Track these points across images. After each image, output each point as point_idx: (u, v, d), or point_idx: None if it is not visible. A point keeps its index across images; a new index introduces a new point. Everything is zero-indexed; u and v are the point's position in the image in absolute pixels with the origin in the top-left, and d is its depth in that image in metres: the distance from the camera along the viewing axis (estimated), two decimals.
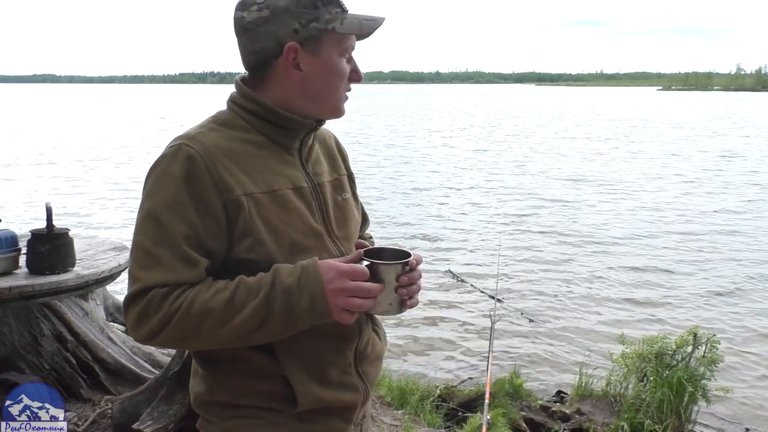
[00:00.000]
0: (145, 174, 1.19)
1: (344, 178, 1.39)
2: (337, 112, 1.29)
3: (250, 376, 1.19)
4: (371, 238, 1.57)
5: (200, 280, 1.12)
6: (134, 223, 1.17)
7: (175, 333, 1.09)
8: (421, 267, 1.24)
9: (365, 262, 1.16)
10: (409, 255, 1.19)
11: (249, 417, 1.21)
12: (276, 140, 1.24)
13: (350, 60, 1.27)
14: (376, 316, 1.41)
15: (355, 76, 1.28)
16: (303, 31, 1.19)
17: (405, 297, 1.18)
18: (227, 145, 1.18)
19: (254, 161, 1.19)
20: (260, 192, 1.17)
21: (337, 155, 1.42)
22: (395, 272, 1.16)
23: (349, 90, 1.29)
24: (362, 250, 1.19)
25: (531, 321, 6.15)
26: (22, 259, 2.72)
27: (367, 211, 1.55)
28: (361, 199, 1.50)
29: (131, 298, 1.11)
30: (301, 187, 1.24)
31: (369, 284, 1.12)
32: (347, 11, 1.21)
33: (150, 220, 1.12)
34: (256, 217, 1.15)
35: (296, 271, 1.12)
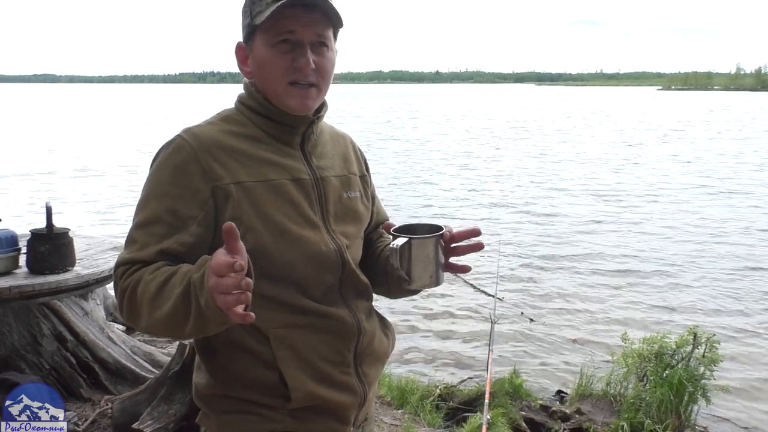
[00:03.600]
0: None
1: (355, 178, 1.39)
2: (288, 108, 1.24)
3: (248, 367, 1.20)
4: None
5: (156, 261, 1.14)
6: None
7: (128, 311, 1.13)
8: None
9: (402, 239, 1.18)
10: (441, 227, 1.23)
11: (244, 412, 1.21)
12: (274, 135, 1.27)
13: (294, 49, 1.20)
14: (384, 315, 1.41)
15: (297, 65, 1.20)
16: (246, 29, 1.25)
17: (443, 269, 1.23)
18: (221, 137, 1.22)
19: (250, 153, 1.22)
20: (253, 181, 1.19)
21: (351, 156, 1.42)
22: (433, 245, 1.20)
23: (300, 82, 1.21)
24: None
25: (531, 321, 6.15)
26: (22, 259, 2.72)
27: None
28: (380, 201, 1.51)
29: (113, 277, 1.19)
30: (302, 178, 1.25)
31: (226, 280, 0.95)
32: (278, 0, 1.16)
33: (140, 207, 1.19)
34: (247, 204, 1.17)
35: (204, 263, 1.02)
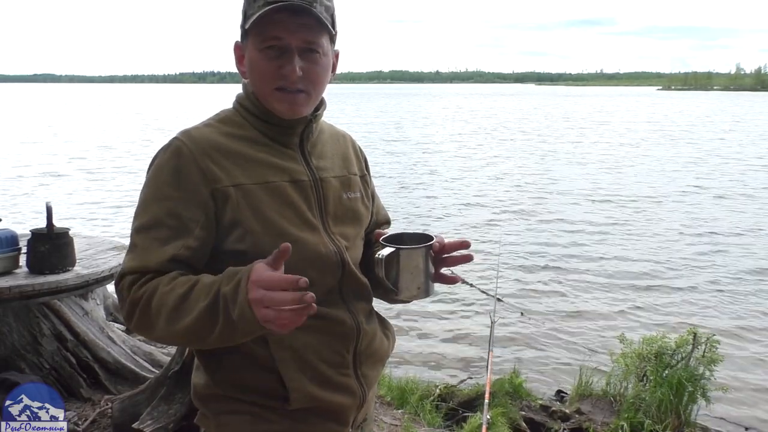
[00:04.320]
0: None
1: (355, 178, 1.38)
2: (277, 112, 1.23)
3: (246, 369, 1.20)
4: None
5: (169, 270, 1.13)
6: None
7: (140, 322, 1.11)
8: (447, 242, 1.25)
9: (389, 249, 1.15)
10: (431, 237, 1.20)
11: (243, 413, 1.21)
12: (273, 136, 1.26)
13: (282, 55, 1.18)
14: (385, 317, 1.41)
15: (283, 72, 1.18)
16: (241, 29, 1.23)
17: (432, 280, 1.19)
18: (219, 139, 1.21)
19: (248, 155, 1.21)
20: (251, 183, 1.19)
21: (351, 155, 1.41)
22: (421, 256, 1.16)
23: (287, 89, 1.20)
24: (286, 249, 1.14)
25: (531, 321, 6.16)
26: (23, 259, 2.72)
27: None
28: (380, 200, 1.51)
29: (115, 284, 1.16)
30: (300, 180, 1.25)
31: (278, 294, 0.98)
32: (271, 3, 1.15)
33: (140, 211, 1.17)
34: (246, 207, 1.16)
35: (236, 276, 1.05)
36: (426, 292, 1.19)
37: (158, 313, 1.08)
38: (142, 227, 1.15)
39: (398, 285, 1.17)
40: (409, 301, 1.29)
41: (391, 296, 1.23)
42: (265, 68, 1.19)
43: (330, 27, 1.20)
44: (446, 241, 1.24)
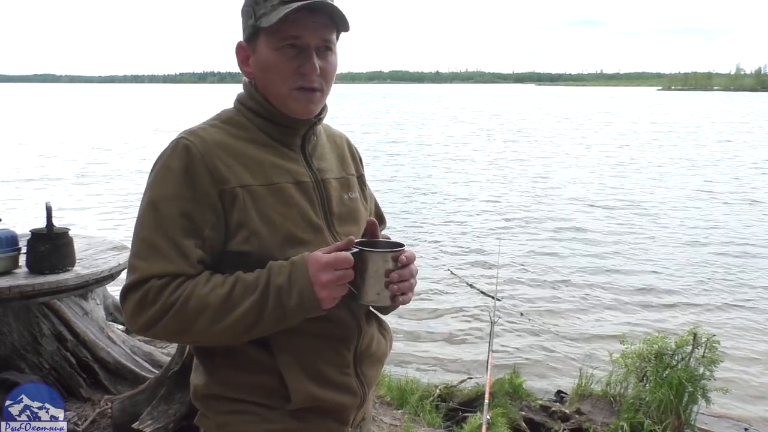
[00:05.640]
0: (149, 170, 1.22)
1: (353, 178, 1.39)
2: (291, 111, 1.23)
3: (246, 369, 1.20)
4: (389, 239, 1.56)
5: (198, 273, 1.13)
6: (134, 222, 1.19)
7: (171, 325, 1.10)
8: (418, 265, 1.22)
9: (355, 250, 1.14)
10: (402, 246, 1.18)
11: (243, 412, 1.21)
12: (276, 137, 1.26)
13: (300, 54, 1.19)
14: (381, 316, 1.40)
15: (302, 71, 1.19)
16: (248, 29, 1.23)
17: (396, 292, 1.15)
18: (225, 139, 1.20)
19: (253, 156, 1.21)
20: (258, 184, 1.18)
21: (347, 156, 1.42)
22: (383, 261, 1.14)
23: (305, 87, 1.21)
24: (353, 238, 1.16)
25: (531, 321, 6.15)
26: (22, 259, 2.72)
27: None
28: (376, 200, 1.51)
29: (129, 288, 1.12)
30: (303, 181, 1.25)
31: (347, 272, 1.11)
32: (288, 2, 1.15)
33: (150, 212, 1.14)
34: (252, 208, 1.16)
35: (286, 268, 1.11)
36: (387, 300, 1.16)
37: (198, 314, 1.09)
38: (159, 229, 1.12)
39: (359, 288, 1.15)
40: (367, 304, 1.24)
41: (351, 300, 1.19)
42: (285, 68, 1.19)
43: (347, 22, 1.21)
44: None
